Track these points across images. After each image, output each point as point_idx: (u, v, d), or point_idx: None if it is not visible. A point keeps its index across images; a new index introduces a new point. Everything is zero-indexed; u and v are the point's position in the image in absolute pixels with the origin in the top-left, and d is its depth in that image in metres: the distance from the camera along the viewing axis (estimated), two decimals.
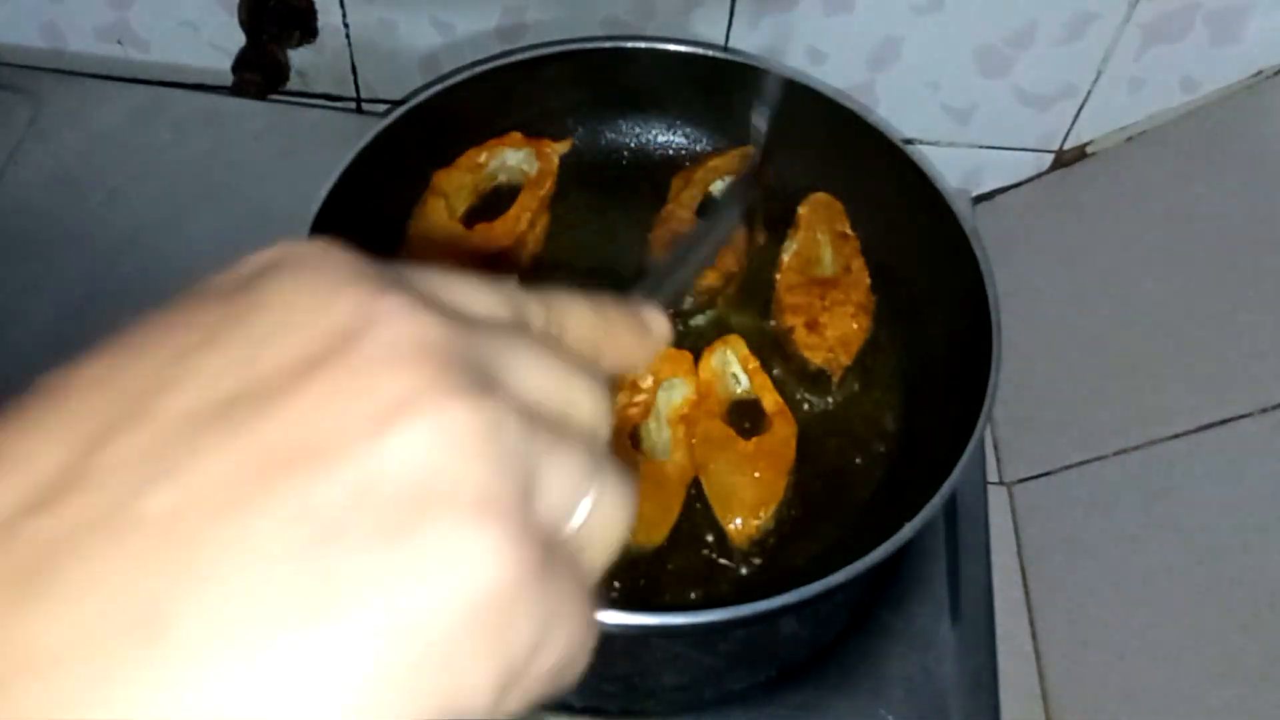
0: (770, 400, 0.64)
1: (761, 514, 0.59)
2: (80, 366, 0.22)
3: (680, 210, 0.70)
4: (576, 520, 0.22)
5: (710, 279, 0.67)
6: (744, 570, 0.60)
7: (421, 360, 0.19)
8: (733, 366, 0.66)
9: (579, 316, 0.26)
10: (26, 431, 0.19)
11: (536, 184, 0.70)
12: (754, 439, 0.62)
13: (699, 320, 0.68)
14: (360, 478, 0.18)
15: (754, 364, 0.66)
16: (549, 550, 0.20)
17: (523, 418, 0.21)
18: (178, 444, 0.18)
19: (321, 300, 0.20)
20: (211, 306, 0.23)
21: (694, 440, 0.62)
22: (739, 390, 0.65)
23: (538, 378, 0.22)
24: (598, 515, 0.22)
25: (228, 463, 0.18)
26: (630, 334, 0.28)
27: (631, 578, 0.58)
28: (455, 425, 0.19)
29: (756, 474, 0.61)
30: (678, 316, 0.68)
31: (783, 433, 0.63)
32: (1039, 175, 0.84)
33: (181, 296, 0.23)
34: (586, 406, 0.23)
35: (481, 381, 0.20)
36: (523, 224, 0.68)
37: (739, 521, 0.59)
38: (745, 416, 0.64)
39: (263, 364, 0.19)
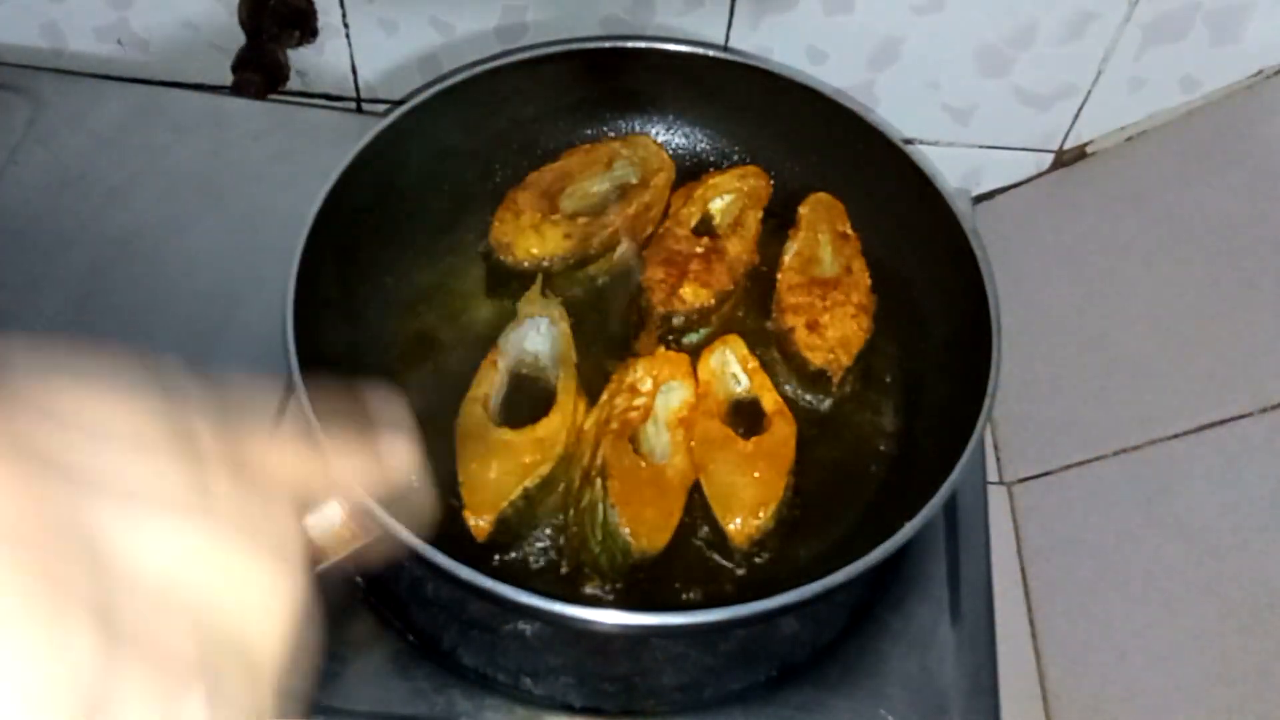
0: (770, 400, 0.64)
1: (761, 514, 0.59)
2: None
3: (678, 228, 0.70)
4: None
5: (703, 297, 0.67)
6: (744, 570, 0.60)
7: None
8: (732, 366, 0.66)
9: (270, 439, 0.21)
10: None
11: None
12: (753, 439, 0.62)
13: (693, 337, 0.68)
14: None
15: (753, 364, 0.66)
16: None
17: (105, 634, 0.16)
18: None
19: None
20: None
21: (693, 441, 0.62)
22: (738, 390, 0.65)
23: (167, 550, 0.18)
24: None
25: None
26: (357, 458, 0.23)
27: (632, 578, 0.58)
28: (10, 646, 0.15)
29: (756, 474, 0.61)
30: (671, 334, 0.68)
31: (782, 433, 0.63)
32: (1039, 175, 0.84)
33: None
34: (247, 592, 0.18)
35: (66, 565, 0.16)
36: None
37: (739, 521, 0.59)
38: (745, 416, 0.64)
39: None
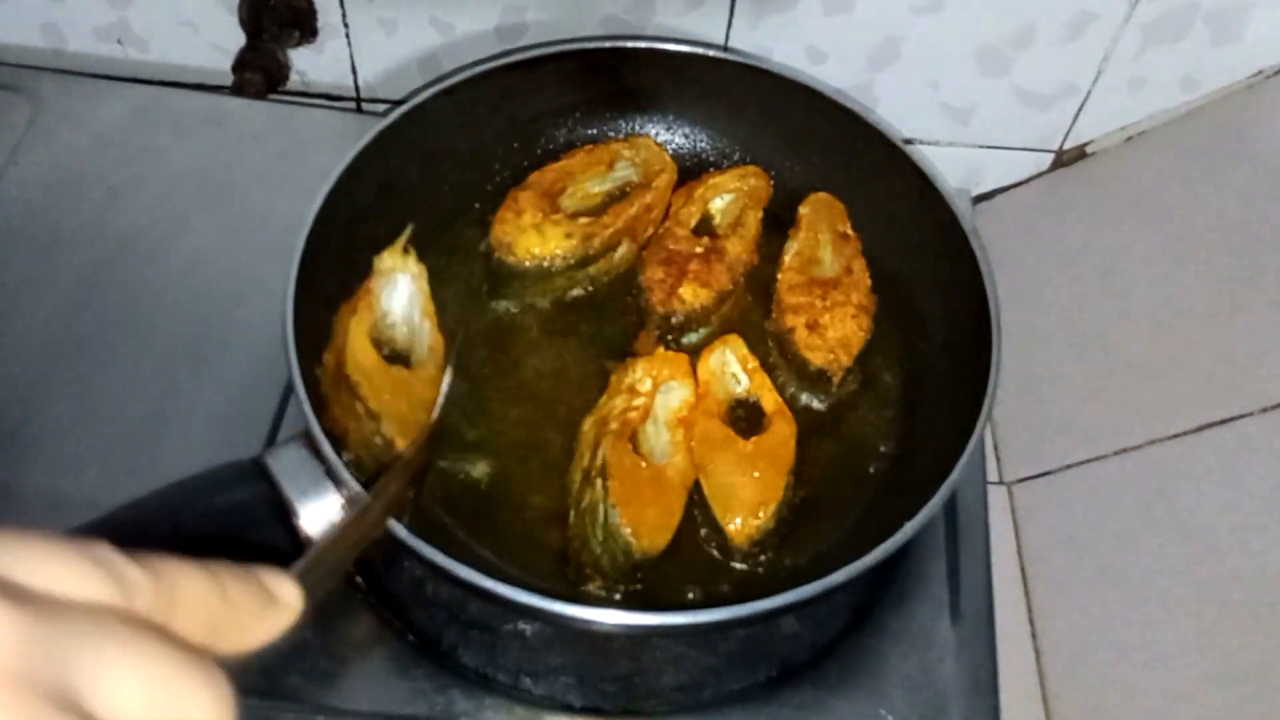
0: (770, 400, 0.64)
1: (761, 514, 0.59)
2: None
3: (677, 228, 0.70)
4: None
5: (703, 297, 0.67)
6: (744, 570, 0.60)
7: None
8: (732, 366, 0.66)
9: (191, 591, 0.22)
10: None
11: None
12: (753, 439, 0.62)
13: (693, 338, 0.68)
14: None
15: (753, 363, 0.66)
16: None
17: None
18: None
19: None
20: None
21: (693, 441, 0.62)
22: (738, 390, 0.65)
23: (134, 686, 0.18)
24: None
25: None
26: (253, 606, 0.23)
27: (632, 578, 0.58)
28: None
29: (756, 474, 0.61)
30: (671, 334, 0.67)
31: (782, 432, 0.63)
32: (1039, 175, 0.84)
33: None
34: (200, 712, 0.20)
35: (52, 701, 0.16)
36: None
37: (739, 521, 0.59)
38: (745, 416, 0.64)
39: None
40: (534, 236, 0.68)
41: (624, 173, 0.72)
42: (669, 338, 0.67)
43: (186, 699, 0.19)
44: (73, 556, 0.20)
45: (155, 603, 0.21)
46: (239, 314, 0.73)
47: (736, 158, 0.76)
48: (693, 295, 0.67)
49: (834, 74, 0.78)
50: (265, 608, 0.24)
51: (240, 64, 0.84)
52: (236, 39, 0.84)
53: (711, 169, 0.75)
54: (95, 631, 0.18)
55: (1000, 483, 0.74)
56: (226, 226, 0.77)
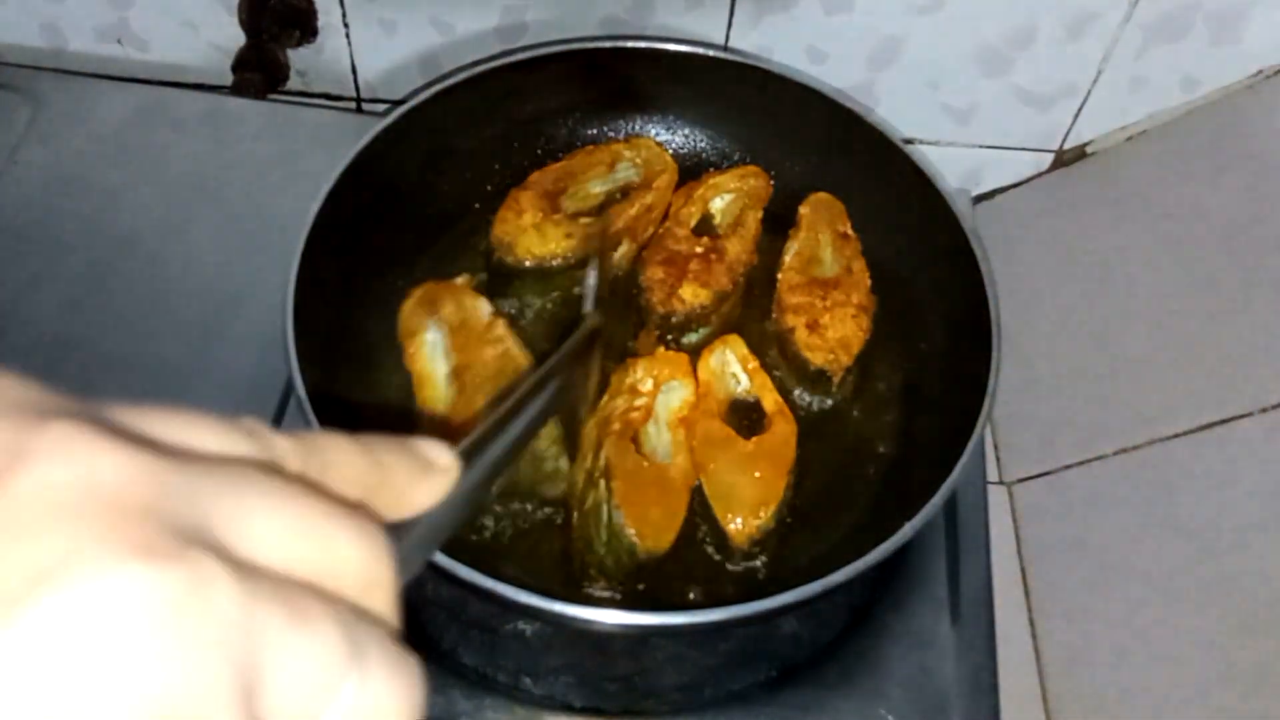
0: (770, 400, 0.64)
1: (762, 513, 0.59)
2: None
3: (678, 228, 0.70)
4: (335, 713, 0.17)
5: (702, 297, 0.67)
6: (744, 570, 0.60)
7: (83, 510, 0.15)
8: (732, 366, 0.66)
9: (343, 457, 0.21)
10: None
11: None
12: (754, 439, 0.62)
13: (692, 337, 0.68)
14: None
15: (754, 363, 0.66)
16: None
17: (244, 584, 0.16)
18: None
19: None
20: None
21: (694, 441, 0.62)
22: (739, 390, 0.65)
23: (279, 528, 0.17)
24: (366, 701, 0.17)
25: None
26: (408, 473, 0.23)
27: (636, 578, 0.58)
28: (127, 599, 0.14)
29: (756, 474, 0.61)
30: (671, 333, 0.67)
31: (783, 432, 0.63)
32: (1039, 175, 0.84)
33: None
34: (353, 564, 0.18)
35: (180, 537, 0.15)
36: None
37: (739, 521, 0.59)
38: (745, 416, 0.64)
39: None
40: (534, 236, 0.68)
41: (624, 173, 0.72)
42: (669, 337, 0.67)
43: (337, 545, 0.18)
44: (217, 423, 0.19)
45: (306, 466, 0.20)
46: (239, 314, 0.73)
47: (736, 158, 0.76)
48: (693, 295, 0.67)
49: (834, 74, 0.78)
50: (421, 472, 0.23)
51: (240, 64, 0.84)
52: (236, 39, 0.84)
53: (712, 169, 0.75)
54: (236, 475, 0.17)
55: (1000, 483, 0.74)
56: (226, 226, 0.77)
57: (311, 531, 0.18)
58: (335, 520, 0.18)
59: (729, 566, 0.60)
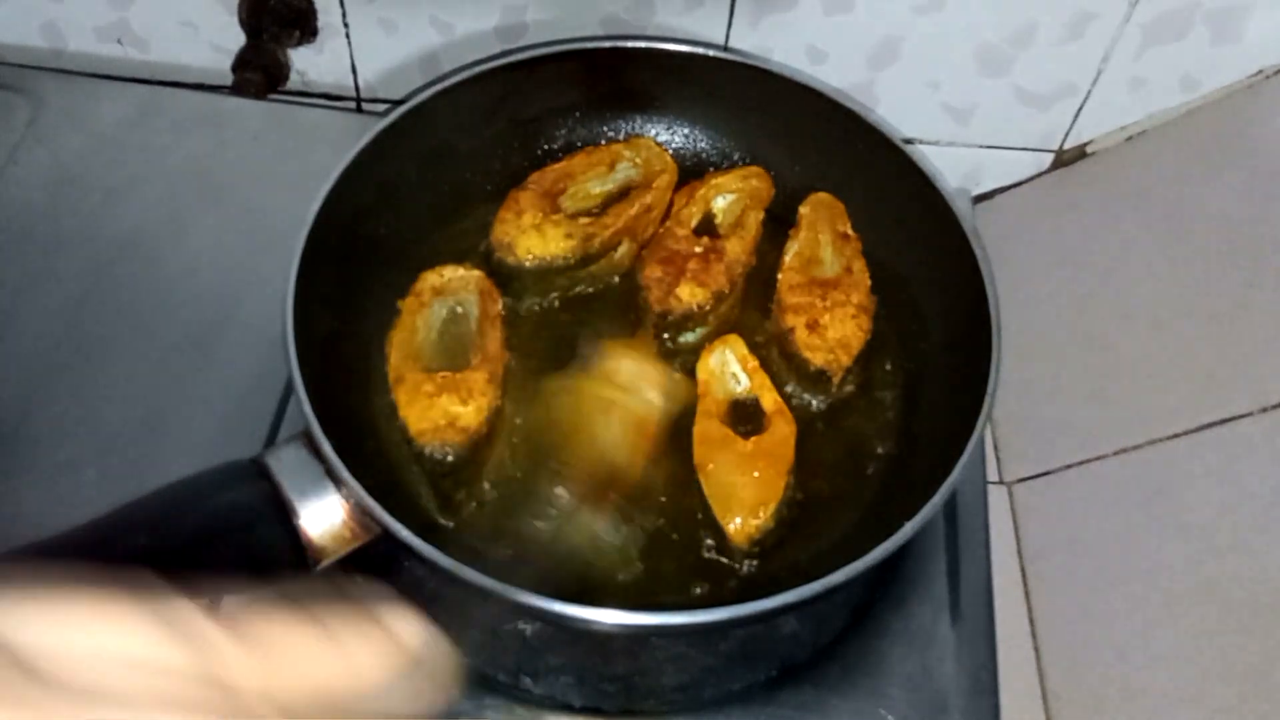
0: (769, 400, 0.64)
1: (761, 513, 0.59)
2: None
3: (678, 228, 0.70)
4: None
5: (700, 297, 0.67)
6: (744, 570, 0.60)
7: None
8: (732, 366, 0.66)
9: (289, 638, 0.20)
10: None
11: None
12: (753, 439, 0.62)
13: (690, 337, 0.68)
14: None
15: (753, 363, 0.66)
16: None
17: None
18: None
19: None
20: None
21: (694, 441, 0.62)
22: (738, 390, 0.65)
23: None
24: None
25: None
26: (367, 645, 0.21)
27: (631, 577, 0.58)
28: None
29: (755, 474, 0.61)
30: (668, 332, 0.67)
31: (781, 432, 0.63)
32: (1039, 175, 0.84)
33: None
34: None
35: None
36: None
37: (738, 521, 0.59)
38: (744, 416, 0.64)
39: None
40: (534, 236, 0.68)
41: (624, 173, 0.72)
42: (665, 336, 0.67)
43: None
44: (146, 621, 0.18)
45: (245, 665, 0.19)
46: (239, 314, 0.73)
47: (737, 158, 0.76)
48: (690, 294, 0.67)
49: (834, 74, 0.78)
50: (381, 646, 0.22)
51: (240, 64, 0.84)
52: (236, 39, 0.84)
53: (712, 169, 0.75)
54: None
55: (1000, 483, 0.74)
56: (226, 226, 0.77)
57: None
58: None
59: (729, 566, 0.60)
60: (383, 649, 0.22)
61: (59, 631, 0.18)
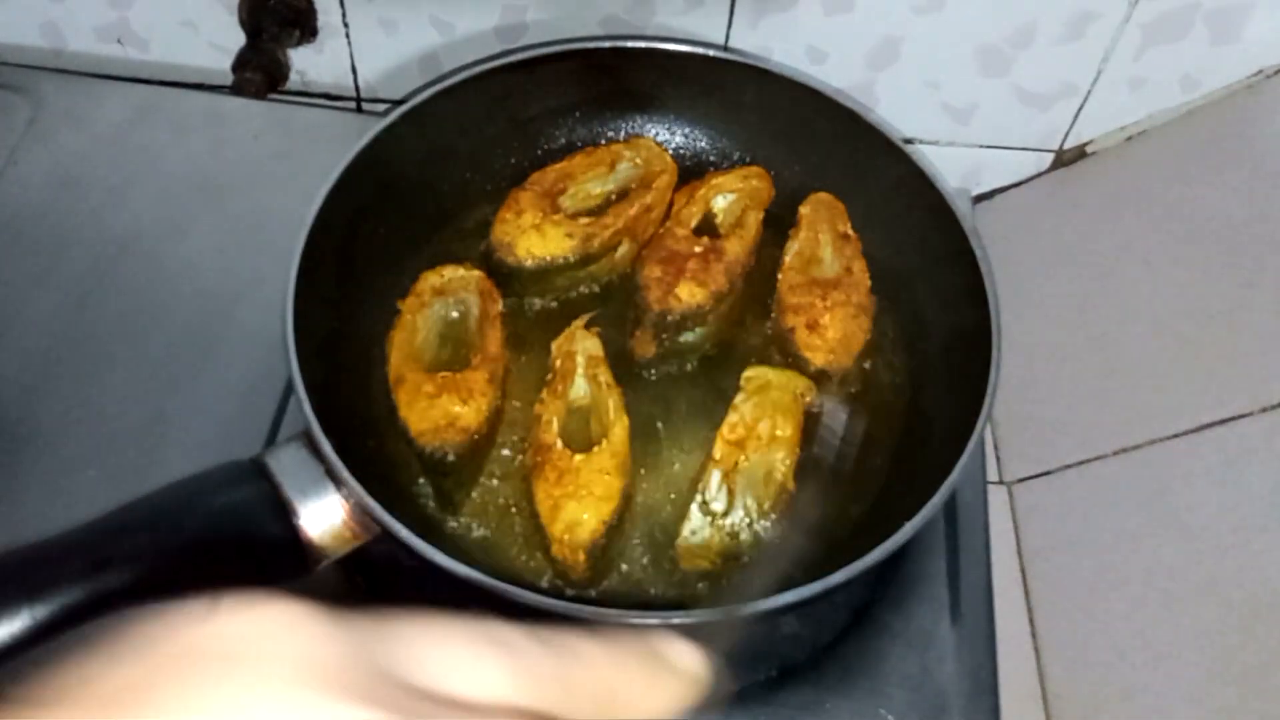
0: (615, 405, 0.62)
1: (585, 528, 0.57)
2: None
3: (678, 228, 0.70)
4: None
5: (699, 297, 0.67)
6: (745, 570, 0.60)
7: None
8: (579, 366, 0.64)
9: (590, 665, 0.22)
10: None
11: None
12: (581, 455, 0.60)
13: (690, 337, 0.68)
14: None
15: (604, 375, 0.64)
16: None
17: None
18: None
19: None
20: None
21: (529, 448, 0.61)
22: (579, 396, 0.63)
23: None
24: None
25: None
26: (652, 679, 0.23)
27: (632, 576, 0.58)
28: None
29: (585, 489, 0.59)
30: (666, 332, 0.67)
31: (616, 441, 0.61)
32: (1039, 175, 0.84)
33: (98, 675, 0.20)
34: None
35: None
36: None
37: (566, 538, 0.57)
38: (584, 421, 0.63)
39: None
40: (534, 236, 0.68)
41: (624, 173, 0.72)
42: (664, 336, 0.67)
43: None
44: (474, 651, 0.20)
45: (549, 690, 0.21)
46: (239, 314, 0.73)
47: (737, 158, 0.76)
48: (689, 294, 0.67)
49: (834, 74, 0.78)
50: (667, 680, 0.23)
51: (240, 64, 0.84)
52: (236, 39, 0.84)
53: (712, 169, 0.75)
54: None
55: (1000, 483, 0.74)
56: (226, 226, 0.78)
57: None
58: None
59: (729, 566, 0.60)
60: (675, 678, 0.23)
61: (445, 666, 0.21)
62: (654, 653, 0.23)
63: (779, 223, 0.72)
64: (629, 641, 0.23)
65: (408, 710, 0.19)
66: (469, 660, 0.21)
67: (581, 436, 0.62)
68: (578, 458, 0.59)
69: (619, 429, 0.61)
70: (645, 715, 0.22)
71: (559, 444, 0.60)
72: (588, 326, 0.66)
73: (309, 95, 0.89)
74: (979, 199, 0.86)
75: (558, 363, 0.64)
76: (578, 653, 0.22)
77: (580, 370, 0.63)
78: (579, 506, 0.57)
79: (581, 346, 0.64)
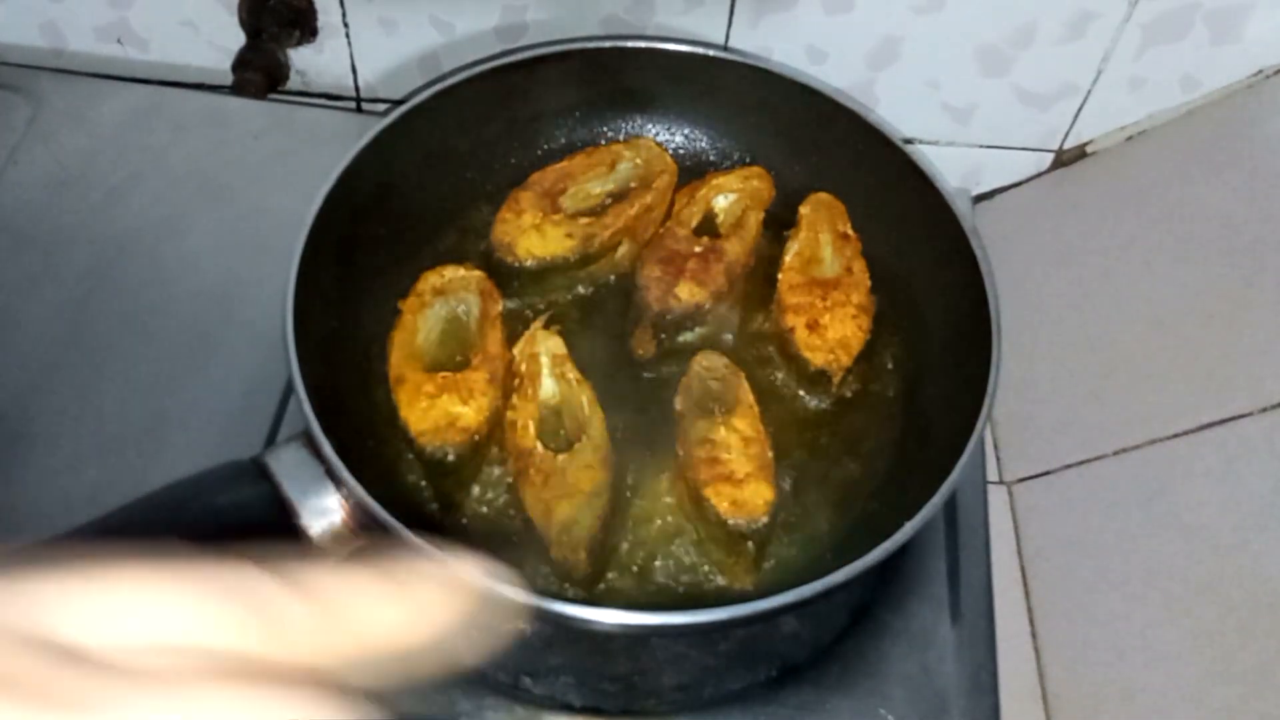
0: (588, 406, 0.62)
1: (587, 523, 0.57)
2: None
3: (679, 228, 0.70)
4: None
5: (698, 296, 0.67)
6: (746, 570, 0.60)
7: None
8: (545, 367, 0.63)
9: (353, 586, 0.20)
10: None
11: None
12: (564, 454, 0.60)
13: (689, 336, 0.68)
14: None
15: (571, 371, 0.63)
16: None
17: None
18: None
19: None
20: None
21: (507, 459, 0.61)
22: (550, 396, 0.63)
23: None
24: None
25: None
26: (433, 589, 0.21)
27: (632, 574, 0.58)
28: None
29: (573, 488, 0.59)
30: (665, 331, 0.67)
31: (595, 439, 0.61)
32: (1039, 175, 0.84)
33: None
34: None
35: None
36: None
37: (565, 539, 0.57)
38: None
39: None
40: (534, 236, 0.68)
41: (625, 173, 0.72)
42: (663, 336, 0.67)
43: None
44: (197, 587, 0.18)
45: (306, 618, 0.19)
46: (239, 314, 0.73)
47: (737, 158, 0.76)
48: (689, 294, 0.67)
49: (834, 74, 0.78)
50: (447, 592, 0.21)
51: (240, 64, 0.84)
52: (236, 39, 0.84)
53: (712, 169, 0.75)
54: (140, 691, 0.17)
55: (1000, 483, 0.74)
56: (226, 226, 0.77)
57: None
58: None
59: (728, 566, 0.60)
60: (450, 592, 0.22)
61: (104, 615, 0.18)
62: (399, 574, 0.21)
63: (779, 223, 0.72)
64: (410, 565, 0.21)
65: (43, 683, 0.16)
66: (136, 601, 0.18)
67: (558, 436, 0.62)
68: (560, 457, 0.59)
69: (596, 422, 0.61)
70: (432, 633, 0.21)
71: (539, 447, 0.60)
72: (547, 326, 0.67)
73: (309, 95, 0.89)
74: (979, 199, 0.86)
75: (523, 366, 0.64)
76: (300, 579, 0.20)
77: (546, 370, 0.63)
78: (571, 506, 0.57)
79: (544, 347, 0.64)
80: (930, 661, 0.61)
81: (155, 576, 0.18)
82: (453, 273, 0.66)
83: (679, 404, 0.63)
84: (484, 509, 0.61)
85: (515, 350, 0.65)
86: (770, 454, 0.61)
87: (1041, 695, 0.66)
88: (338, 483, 0.52)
